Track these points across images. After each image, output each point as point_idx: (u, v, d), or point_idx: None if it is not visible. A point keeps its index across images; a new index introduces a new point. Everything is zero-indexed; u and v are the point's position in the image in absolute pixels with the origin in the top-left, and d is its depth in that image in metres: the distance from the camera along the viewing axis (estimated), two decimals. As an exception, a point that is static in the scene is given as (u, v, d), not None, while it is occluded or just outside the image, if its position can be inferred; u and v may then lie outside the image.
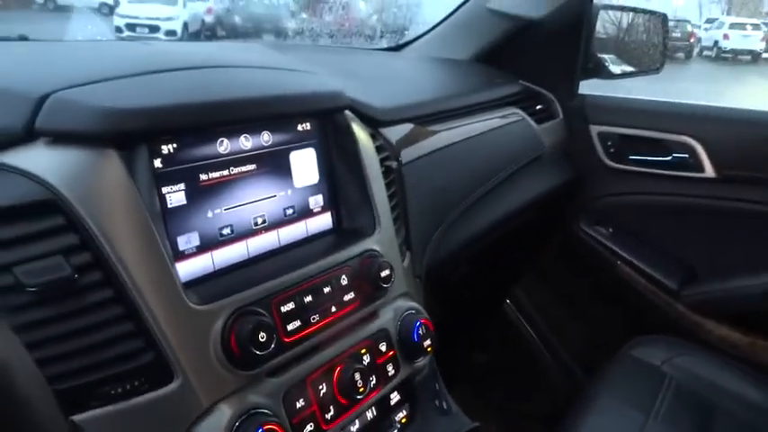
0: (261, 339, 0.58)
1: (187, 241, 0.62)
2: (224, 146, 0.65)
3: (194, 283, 0.62)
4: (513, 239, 1.46)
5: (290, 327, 0.64)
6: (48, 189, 0.52)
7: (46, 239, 0.51)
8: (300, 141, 0.74)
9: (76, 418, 0.52)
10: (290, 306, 0.64)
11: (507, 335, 1.78)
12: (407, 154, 0.97)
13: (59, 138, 0.54)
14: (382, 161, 0.85)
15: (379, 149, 0.86)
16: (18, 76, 0.58)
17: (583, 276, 1.60)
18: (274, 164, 0.71)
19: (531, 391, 1.76)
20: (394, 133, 0.96)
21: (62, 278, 0.51)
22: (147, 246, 0.55)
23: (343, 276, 0.71)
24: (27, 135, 0.54)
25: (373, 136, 0.87)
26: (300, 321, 0.65)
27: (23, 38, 0.90)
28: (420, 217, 0.95)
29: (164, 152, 0.60)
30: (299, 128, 0.74)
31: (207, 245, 0.64)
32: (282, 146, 0.72)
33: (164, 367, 0.55)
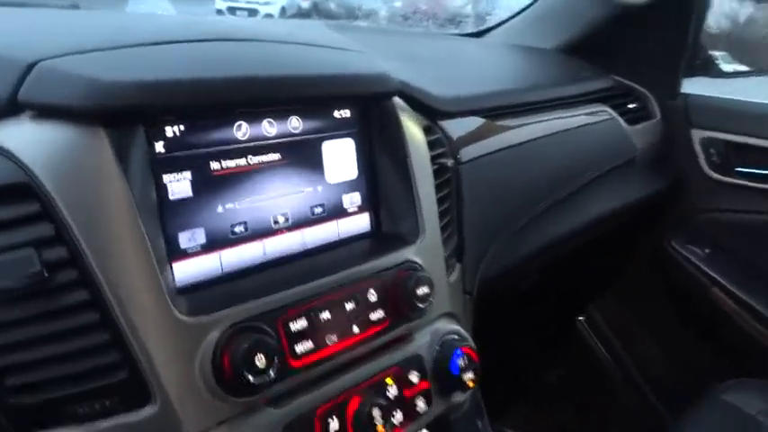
0: (258, 363, 0.49)
1: (191, 238, 0.54)
2: (242, 131, 0.57)
3: (196, 288, 0.54)
4: (590, 253, 1.31)
5: (299, 348, 0.54)
6: (24, 171, 0.45)
7: (17, 229, 0.45)
8: (336, 130, 0.64)
9: (41, 436, 0.45)
10: (302, 324, 0.55)
11: (578, 354, 1.62)
12: (469, 151, 0.85)
13: (44, 112, 0.47)
14: (435, 158, 0.74)
15: (433, 144, 0.75)
16: (17, 43, 0.52)
17: (670, 301, 1.41)
18: (303, 155, 0.62)
19: (600, 417, 1.59)
20: (456, 127, 0.85)
21: (31, 275, 0.44)
22: (129, 243, 0.47)
23: (372, 291, 0.61)
24: (10, 107, 0.47)
25: (429, 128, 0.76)
26: (313, 342, 0.56)
27: (75, 6, 0.86)
28: (477, 224, 0.83)
29: (168, 135, 0.52)
30: (336, 114, 0.64)
31: (215, 244, 0.56)
32: (314, 134, 0.62)
33: (141, 387, 0.47)
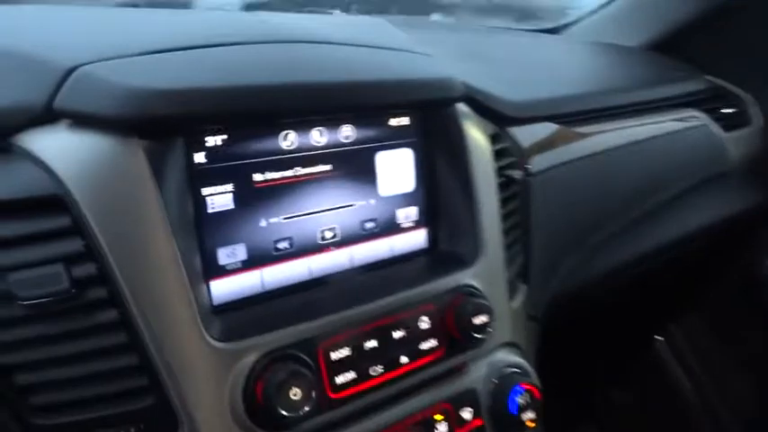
0: (292, 396, 0.45)
1: (231, 254, 0.51)
2: (289, 140, 0.53)
3: (234, 307, 0.51)
4: (675, 271, 1.19)
5: (339, 380, 0.50)
6: (57, 182, 0.43)
7: (46, 243, 0.42)
8: (392, 139, 0.59)
9: (60, 461, 0.43)
10: (345, 352, 0.51)
11: (653, 376, 1.50)
12: (540, 161, 0.78)
13: (81, 121, 0.44)
14: (502, 169, 0.68)
15: (500, 154, 0.68)
16: (59, 46, 0.49)
17: (763, 326, 1.27)
18: (355, 165, 0.57)
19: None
20: (526, 134, 0.78)
21: (59, 292, 0.42)
22: (160, 261, 0.44)
23: (424, 317, 0.55)
24: (47, 115, 0.45)
25: (496, 136, 0.70)
26: (356, 373, 0.51)
27: (133, 5, 0.85)
28: (547, 242, 0.76)
29: (208, 145, 0.49)
30: (393, 122, 0.59)
31: (256, 260, 0.52)
32: (368, 144, 0.58)
33: (167, 415, 0.44)
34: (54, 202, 0.43)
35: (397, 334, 0.54)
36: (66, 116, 0.45)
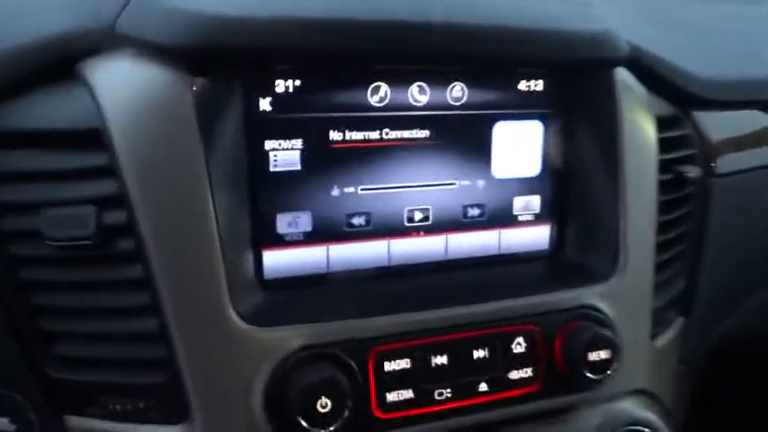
0: (319, 408, 0.36)
1: (292, 223, 0.43)
2: (380, 94, 0.43)
3: (289, 285, 0.43)
4: None
5: (392, 397, 0.40)
6: (100, 116, 0.38)
7: (81, 182, 0.38)
8: (518, 108, 0.47)
9: (71, 420, 0.39)
10: (403, 364, 0.40)
11: None
12: (733, 160, 0.59)
13: (139, 50, 0.39)
14: (672, 163, 0.52)
15: (672, 143, 0.52)
16: None
17: None
18: (463, 136, 0.46)
19: None
20: (718, 122, 0.59)
21: (84, 236, 0.37)
22: (191, 218, 0.37)
23: (520, 338, 0.43)
24: (109, 40, 0.40)
25: (671, 120, 0.54)
26: (415, 393, 0.40)
27: None
28: (726, 266, 0.58)
29: (278, 90, 0.41)
30: (522, 86, 0.47)
31: (323, 234, 0.44)
32: (484, 110, 0.46)
33: (178, 397, 0.38)
34: (93, 137, 0.38)
35: (480, 353, 0.42)
36: (125, 43, 0.40)
